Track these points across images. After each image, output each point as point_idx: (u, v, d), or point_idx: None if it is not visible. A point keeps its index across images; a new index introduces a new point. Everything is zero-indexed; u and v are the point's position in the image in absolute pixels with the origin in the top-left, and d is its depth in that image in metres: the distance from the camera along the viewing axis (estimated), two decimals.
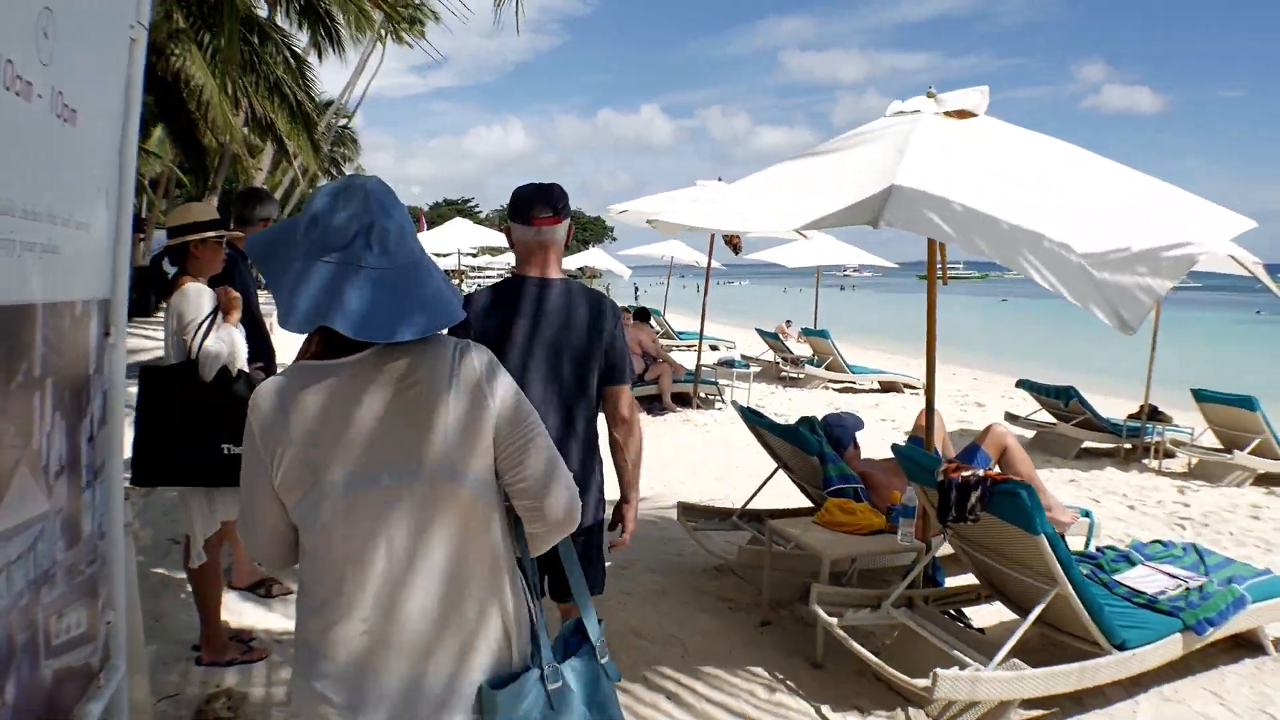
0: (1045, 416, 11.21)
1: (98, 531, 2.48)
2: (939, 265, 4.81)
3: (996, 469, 5.93)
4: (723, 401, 12.78)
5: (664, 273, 27.33)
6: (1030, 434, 11.10)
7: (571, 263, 36.01)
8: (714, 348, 23.58)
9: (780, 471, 6.14)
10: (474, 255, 49.79)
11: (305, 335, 1.83)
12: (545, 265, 3.26)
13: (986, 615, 4.96)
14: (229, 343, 3.81)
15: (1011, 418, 11.60)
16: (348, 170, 57.94)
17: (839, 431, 5.72)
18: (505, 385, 1.84)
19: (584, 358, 3.21)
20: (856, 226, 3.87)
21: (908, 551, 4.86)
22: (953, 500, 3.98)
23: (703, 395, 12.57)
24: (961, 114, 4.69)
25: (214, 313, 3.83)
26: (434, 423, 1.76)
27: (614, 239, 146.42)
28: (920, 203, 3.61)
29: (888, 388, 15.89)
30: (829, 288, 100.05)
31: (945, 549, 4.91)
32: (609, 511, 3.44)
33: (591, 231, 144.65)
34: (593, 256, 35.55)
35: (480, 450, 1.80)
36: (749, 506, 6.12)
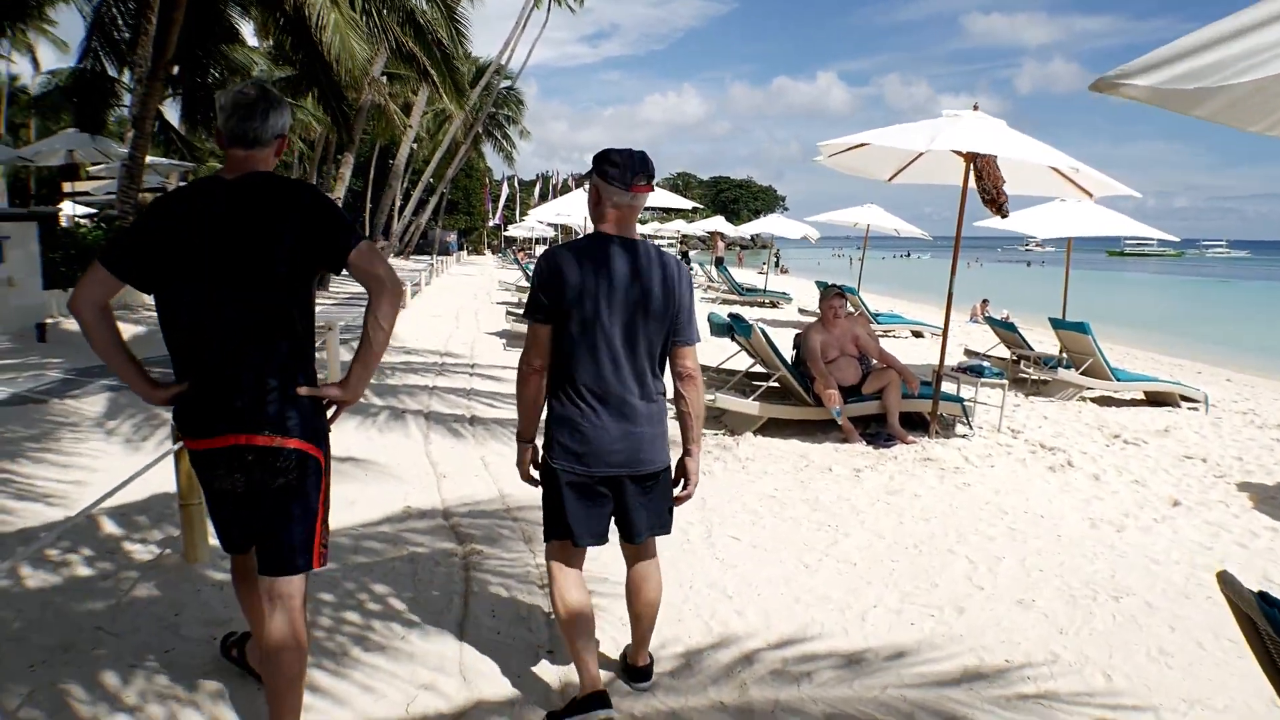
0: None
1: None
2: None
3: None
4: (967, 424, 9.13)
5: (839, 244, 23.89)
6: None
7: (748, 229, 33.02)
8: (918, 334, 19.81)
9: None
10: (642, 222, 47.17)
11: None
12: (630, 227, 3.48)
13: None
14: None
15: None
16: (512, 132, 55.93)
17: None
18: None
19: (661, 313, 3.43)
20: None
21: None
22: None
23: (942, 415, 8.98)
24: None
25: None
26: None
27: (785, 209, 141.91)
28: None
29: (1157, 400, 11.94)
30: (1015, 263, 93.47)
31: None
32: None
33: (763, 201, 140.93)
34: (770, 223, 32.24)
35: None
36: None
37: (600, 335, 3.36)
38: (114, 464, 6.59)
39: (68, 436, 7.41)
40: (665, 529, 3.65)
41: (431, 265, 35.64)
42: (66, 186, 25.11)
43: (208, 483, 3.10)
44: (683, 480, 3.67)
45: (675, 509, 3.71)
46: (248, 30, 19.95)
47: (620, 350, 3.38)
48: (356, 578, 4.85)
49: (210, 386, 2.95)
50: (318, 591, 4.57)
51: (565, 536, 3.51)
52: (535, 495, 3.66)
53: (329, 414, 3.16)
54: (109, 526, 5.42)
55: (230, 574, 3.53)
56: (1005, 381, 10.07)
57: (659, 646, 4.12)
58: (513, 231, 57.90)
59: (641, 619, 3.76)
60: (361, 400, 9.44)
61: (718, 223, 42.70)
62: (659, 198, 21.46)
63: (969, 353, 14.12)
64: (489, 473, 7.12)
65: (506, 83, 52.45)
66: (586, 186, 3.58)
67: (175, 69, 15.64)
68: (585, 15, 43.75)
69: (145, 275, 2.94)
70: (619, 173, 3.37)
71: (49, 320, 12.89)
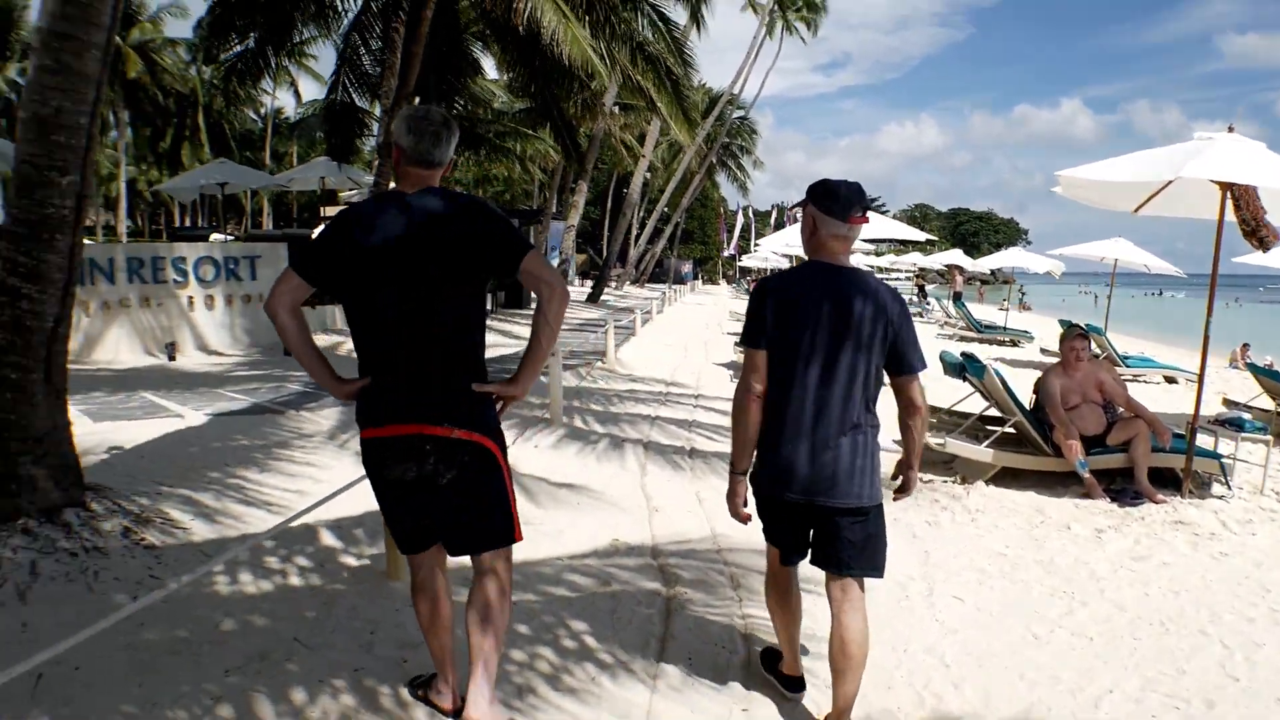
0: None
1: None
2: None
3: None
4: (1225, 484, 8.24)
5: (1085, 280, 22.60)
6: None
7: (987, 263, 31.83)
8: (1171, 380, 18.37)
9: None
10: (878, 254, 46.22)
11: None
12: (844, 257, 3.54)
13: None
14: None
15: None
16: (745, 162, 56.11)
17: None
18: None
19: (872, 342, 3.43)
20: None
21: None
22: None
23: (1197, 473, 8.14)
24: None
25: None
26: None
27: (1028, 242, 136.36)
28: None
29: None
30: (1264, 303, 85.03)
31: None
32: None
33: (1004, 234, 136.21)
34: (1012, 257, 31.01)
35: None
36: None
37: (809, 362, 3.44)
38: (340, 476, 6.74)
39: (299, 447, 7.71)
40: (874, 570, 3.59)
41: (664, 294, 36.03)
42: (324, 211, 26.82)
43: (377, 472, 3.28)
44: (901, 480, 3.78)
45: (888, 557, 3.66)
46: (489, 64, 20.82)
47: (829, 378, 3.43)
48: (555, 611, 4.74)
49: (391, 380, 3.19)
50: (514, 623, 4.47)
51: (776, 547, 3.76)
52: (749, 538, 3.82)
53: (498, 408, 3.33)
54: (326, 538, 5.54)
55: (411, 592, 3.50)
56: (1270, 437, 9.08)
57: (863, 718, 3.79)
58: (747, 262, 58.03)
59: (845, 676, 3.53)
60: (582, 427, 9.47)
61: (955, 256, 41.38)
62: (893, 229, 21.05)
63: (1228, 403, 12.91)
64: (703, 509, 6.93)
65: (739, 113, 52.72)
66: (799, 215, 3.69)
67: (417, 100, 16.36)
68: (818, 45, 43.96)
69: (330, 280, 3.19)
70: (836, 203, 3.44)
71: None
